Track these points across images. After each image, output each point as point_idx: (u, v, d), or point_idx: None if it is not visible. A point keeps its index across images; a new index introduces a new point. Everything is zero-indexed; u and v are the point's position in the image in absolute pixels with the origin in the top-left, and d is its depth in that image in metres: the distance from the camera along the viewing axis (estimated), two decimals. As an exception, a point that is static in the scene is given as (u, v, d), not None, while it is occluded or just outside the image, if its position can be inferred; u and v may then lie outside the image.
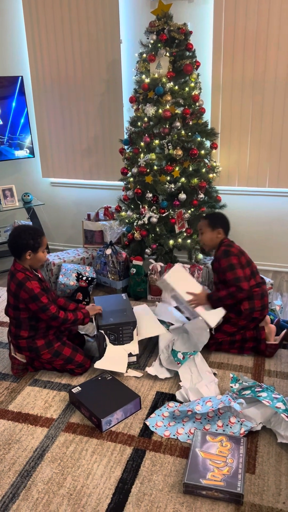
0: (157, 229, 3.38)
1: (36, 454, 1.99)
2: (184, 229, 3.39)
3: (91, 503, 1.75)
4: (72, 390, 2.28)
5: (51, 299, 2.46)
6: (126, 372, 2.53)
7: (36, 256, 2.38)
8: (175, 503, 1.74)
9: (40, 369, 2.58)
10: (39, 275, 2.48)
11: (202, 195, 3.34)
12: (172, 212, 3.34)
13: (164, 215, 3.34)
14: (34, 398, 2.36)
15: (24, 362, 2.52)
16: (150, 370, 2.51)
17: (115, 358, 2.47)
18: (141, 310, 2.77)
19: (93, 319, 2.68)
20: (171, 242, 3.39)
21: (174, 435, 2.07)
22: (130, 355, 2.54)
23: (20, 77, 3.95)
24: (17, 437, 2.09)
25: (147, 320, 2.67)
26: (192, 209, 3.37)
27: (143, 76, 3.29)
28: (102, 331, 2.50)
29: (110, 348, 2.52)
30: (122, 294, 2.87)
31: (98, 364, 2.43)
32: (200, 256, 3.45)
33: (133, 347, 2.54)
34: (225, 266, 2.55)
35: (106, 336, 2.51)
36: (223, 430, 2.06)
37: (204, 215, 2.88)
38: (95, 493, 1.79)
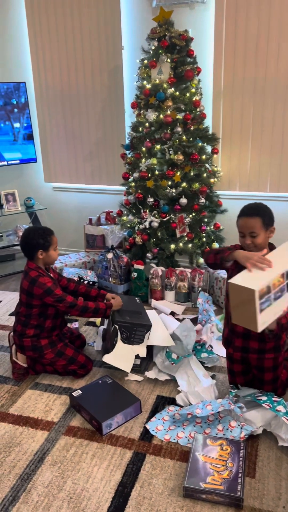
0: (158, 234, 3.39)
1: (37, 457, 1.99)
2: (185, 234, 3.40)
3: (91, 506, 1.75)
4: (73, 393, 2.29)
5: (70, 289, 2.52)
6: (129, 372, 2.53)
7: (48, 254, 2.45)
8: (175, 507, 1.74)
9: (41, 372, 2.58)
10: (51, 275, 2.53)
11: (203, 200, 3.35)
12: (173, 216, 3.35)
13: (165, 219, 3.36)
14: (35, 402, 2.36)
15: (25, 366, 2.53)
16: (150, 373, 2.51)
17: (123, 356, 2.47)
18: (151, 316, 2.75)
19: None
20: (172, 246, 3.40)
21: (174, 439, 2.07)
22: (137, 357, 2.54)
23: (24, 83, 3.99)
24: (17, 440, 2.10)
25: (159, 328, 2.67)
26: (193, 214, 3.39)
27: (145, 82, 3.32)
28: (117, 326, 2.49)
29: (120, 345, 2.52)
30: (136, 298, 2.88)
31: (106, 358, 2.43)
32: (201, 260, 3.46)
33: (141, 349, 2.53)
34: None
35: (119, 332, 2.51)
36: (223, 434, 2.06)
37: (245, 210, 2.08)
38: (95, 496, 1.79)
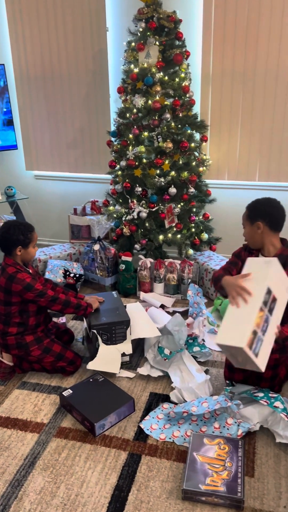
0: (147, 224, 3.30)
1: (27, 462, 1.90)
2: (174, 224, 3.32)
3: (87, 513, 1.68)
4: (63, 393, 2.20)
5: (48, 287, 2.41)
6: (119, 372, 2.45)
7: (27, 251, 2.34)
8: (173, 510, 1.68)
9: (29, 370, 2.48)
10: (30, 271, 2.42)
11: (192, 189, 3.26)
12: (162, 206, 3.26)
13: (153, 209, 3.26)
14: (23, 402, 2.26)
15: (11, 365, 2.42)
16: (142, 370, 2.44)
17: (108, 358, 2.40)
18: (134, 309, 2.69)
19: (84, 318, 2.59)
20: (161, 237, 3.31)
21: (170, 438, 2.01)
22: (123, 355, 2.46)
23: (2, 65, 3.79)
24: (6, 444, 2.00)
25: (141, 319, 2.59)
26: (182, 204, 3.30)
27: (132, 66, 3.18)
28: (95, 331, 2.42)
29: (103, 348, 2.44)
30: (113, 292, 2.78)
31: (91, 365, 2.35)
32: (191, 251, 3.39)
33: (126, 347, 2.47)
34: None
35: (98, 336, 2.43)
36: (220, 432, 2.01)
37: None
38: (90, 502, 1.72)
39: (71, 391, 2.21)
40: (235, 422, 2.02)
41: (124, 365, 2.51)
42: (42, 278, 2.53)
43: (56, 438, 2.03)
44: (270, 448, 1.95)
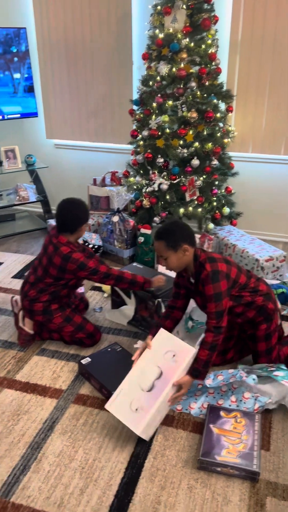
0: (167, 197, 3.25)
1: (46, 426, 1.95)
2: (195, 197, 3.26)
3: (104, 477, 1.72)
4: (82, 361, 2.23)
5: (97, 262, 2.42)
6: (138, 342, 2.48)
7: (83, 229, 2.38)
8: (189, 479, 1.71)
9: (48, 339, 2.51)
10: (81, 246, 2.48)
11: (215, 162, 3.19)
12: (183, 178, 3.20)
13: (175, 182, 3.20)
14: (42, 368, 2.30)
15: (32, 333, 2.45)
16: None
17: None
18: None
19: (131, 292, 2.60)
20: (181, 210, 3.26)
21: (186, 410, 2.03)
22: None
23: (24, 29, 3.69)
24: (25, 408, 2.05)
25: None
26: (204, 176, 3.23)
27: (157, 31, 3.06)
28: (160, 300, 2.43)
29: None
30: (134, 263, 2.79)
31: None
32: (211, 225, 3.34)
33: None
34: (211, 294, 1.93)
35: (162, 304, 2.44)
36: (237, 406, 2.01)
37: (156, 234, 1.99)
38: (107, 466, 1.76)
39: (89, 359, 2.23)
40: (252, 396, 2.02)
41: (141, 334, 2.52)
42: (92, 252, 2.56)
43: (74, 404, 2.07)
44: (286, 423, 1.96)
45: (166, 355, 1.97)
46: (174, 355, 1.95)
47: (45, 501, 1.63)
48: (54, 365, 2.32)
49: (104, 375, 2.12)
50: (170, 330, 2.12)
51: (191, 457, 1.80)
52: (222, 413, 1.94)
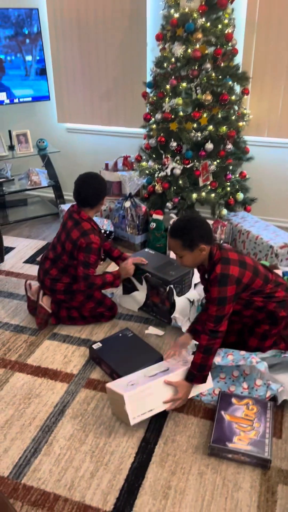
0: (180, 182, 3.19)
1: (57, 410, 1.95)
2: (208, 182, 3.20)
3: (114, 461, 1.72)
4: (93, 346, 2.22)
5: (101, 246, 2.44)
6: (149, 328, 2.47)
7: (104, 202, 2.42)
8: (199, 465, 1.70)
9: (65, 319, 2.50)
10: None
11: (230, 146, 3.12)
12: (197, 163, 3.14)
13: (188, 166, 3.15)
14: (53, 352, 2.30)
15: (49, 312, 2.45)
16: (178, 318, 2.44)
17: (184, 309, 2.48)
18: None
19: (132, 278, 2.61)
20: (194, 196, 3.21)
21: (197, 396, 2.01)
22: (192, 303, 2.53)
23: (36, 10, 3.63)
24: (37, 392, 2.05)
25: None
26: (218, 161, 3.17)
27: (172, 11, 2.98)
28: (172, 286, 2.42)
29: (178, 301, 2.48)
30: (146, 249, 2.78)
31: (179, 320, 2.44)
32: (224, 211, 3.28)
33: (192, 293, 2.54)
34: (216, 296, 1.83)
35: (174, 290, 2.44)
36: (249, 393, 1.99)
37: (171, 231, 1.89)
38: (118, 451, 1.76)
39: (100, 344, 2.23)
40: (264, 384, 2.00)
41: (153, 322, 2.51)
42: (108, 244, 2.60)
43: (85, 389, 2.07)
44: (299, 411, 1.93)
45: (178, 359, 2.00)
46: (186, 362, 1.96)
47: (55, 483, 1.64)
48: (65, 350, 2.32)
49: (115, 360, 2.12)
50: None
51: (202, 443, 1.79)
52: (233, 400, 1.92)
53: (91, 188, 2.30)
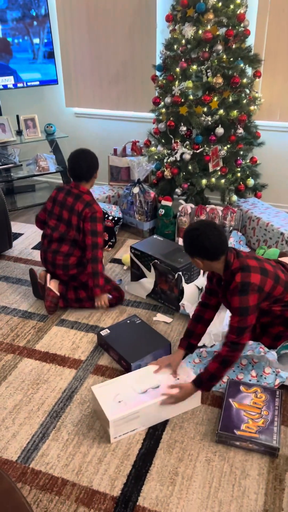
0: (190, 167, 3.15)
1: (65, 395, 1.96)
2: (218, 168, 3.15)
3: (122, 447, 1.72)
4: (101, 332, 2.22)
5: None
6: (157, 315, 2.46)
7: (96, 176, 2.50)
8: (207, 452, 1.70)
9: (72, 302, 2.49)
10: None
11: (241, 130, 3.05)
12: (207, 148, 3.08)
13: (198, 151, 3.09)
14: (61, 338, 2.30)
15: (58, 295, 2.45)
16: (186, 305, 2.42)
17: (193, 296, 2.48)
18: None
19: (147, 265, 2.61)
20: (204, 181, 3.16)
21: (205, 383, 2.00)
22: (200, 290, 2.54)
23: (43, -9, 3.56)
24: (45, 377, 2.06)
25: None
26: (229, 146, 3.11)
27: (182, -10, 2.90)
28: (180, 273, 2.42)
29: (187, 288, 2.48)
30: (155, 236, 2.76)
31: (188, 307, 2.43)
32: (234, 197, 3.23)
33: (201, 281, 2.54)
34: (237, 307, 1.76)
35: (183, 277, 2.44)
36: (257, 381, 1.98)
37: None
38: (125, 437, 1.76)
39: (108, 331, 2.22)
40: (273, 372, 1.98)
41: (161, 309, 2.50)
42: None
43: (93, 375, 2.07)
44: (308, 400, 1.92)
45: (171, 375, 1.92)
46: (178, 378, 1.90)
47: (63, 468, 1.65)
48: (73, 336, 2.32)
49: (123, 346, 2.11)
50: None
51: (210, 431, 1.79)
52: (242, 387, 1.91)
53: (85, 163, 2.39)
